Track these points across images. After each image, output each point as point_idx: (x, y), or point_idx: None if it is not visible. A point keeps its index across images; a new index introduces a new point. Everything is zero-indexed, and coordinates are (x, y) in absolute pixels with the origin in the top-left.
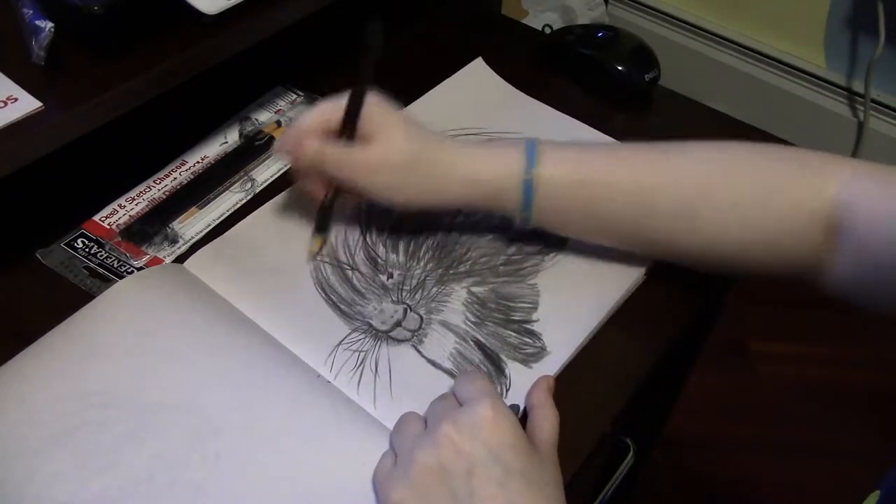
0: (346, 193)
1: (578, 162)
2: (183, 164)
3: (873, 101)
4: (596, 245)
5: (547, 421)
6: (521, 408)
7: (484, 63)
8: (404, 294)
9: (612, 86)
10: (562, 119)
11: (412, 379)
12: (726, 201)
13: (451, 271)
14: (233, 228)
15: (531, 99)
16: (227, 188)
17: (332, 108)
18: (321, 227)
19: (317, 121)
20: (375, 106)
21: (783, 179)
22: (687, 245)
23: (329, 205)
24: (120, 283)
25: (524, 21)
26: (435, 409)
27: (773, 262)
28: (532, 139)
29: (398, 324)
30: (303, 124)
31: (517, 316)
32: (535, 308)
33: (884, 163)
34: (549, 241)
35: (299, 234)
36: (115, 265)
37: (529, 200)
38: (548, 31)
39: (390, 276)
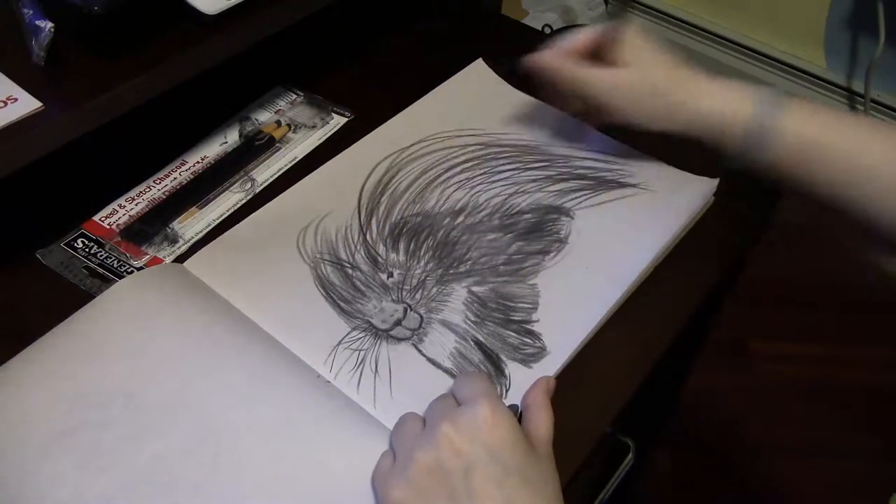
0: (588, 110)
1: (816, 121)
2: (183, 164)
3: (873, 101)
4: (602, 243)
5: (543, 421)
6: (521, 409)
7: (484, 63)
8: (404, 293)
9: None
10: (562, 119)
11: (412, 378)
12: None
13: (451, 271)
14: (233, 228)
15: (531, 99)
16: (227, 188)
17: (590, 34)
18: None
19: (575, 44)
20: (633, 32)
21: None
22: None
23: None
24: (120, 283)
25: (524, 21)
26: (434, 408)
27: None
28: (770, 88)
29: (398, 323)
30: (563, 46)
31: (517, 316)
32: (535, 308)
33: None
34: (549, 240)
35: (299, 234)
36: (115, 265)
37: (750, 145)
38: (548, 31)
39: (390, 274)
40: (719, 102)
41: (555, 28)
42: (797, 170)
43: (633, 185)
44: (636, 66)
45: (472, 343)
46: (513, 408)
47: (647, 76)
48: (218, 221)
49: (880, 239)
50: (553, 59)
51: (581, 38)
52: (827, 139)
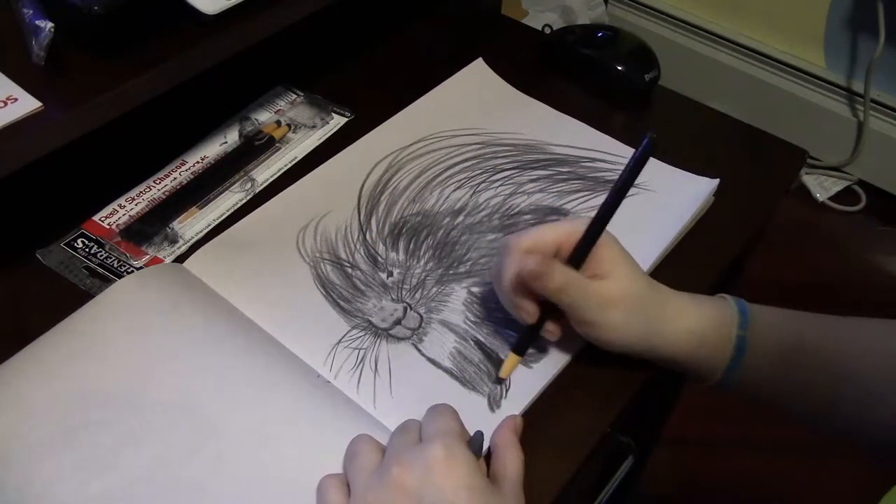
0: (554, 321)
1: (788, 326)
2: (183, 164)
3: (873, 101)
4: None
5: (510, 460)
6: (489, 446)
7: (484, 63)
8: (404, 293)
9: (612, 86)
10: (562, 119)
11: (412, 378)
12: None
13: (451, 272)
14: (233, 228)
15: (531, 99)
16: (227, 188)
17: (568, 233)
18: (520, 349)
19: (551, 242)
20: (610, 241)
21: None
22: (873, 422)
23: (538, 327)
24: (120, 283)
25: (524, 21)
26: (393, 444)
27: None
28: (738, 298)
29: (398, 322)
30: (540, 242)
31: None
32: None
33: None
34: None
35: (298, 233)
36: (115, 265)
37: (739, 358)
38: (548, 31)
39: (390, 274)
40: (707, 318)
41: (555, 28)
42: (775, 381)
43: (633, 185)
44: (619, 277)
45: (472, 343)
46: (476, 438)
47: (633, 290)
48: (218, 221)
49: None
50: (540, 263)
51: (551, 236)
52: (807, 344)
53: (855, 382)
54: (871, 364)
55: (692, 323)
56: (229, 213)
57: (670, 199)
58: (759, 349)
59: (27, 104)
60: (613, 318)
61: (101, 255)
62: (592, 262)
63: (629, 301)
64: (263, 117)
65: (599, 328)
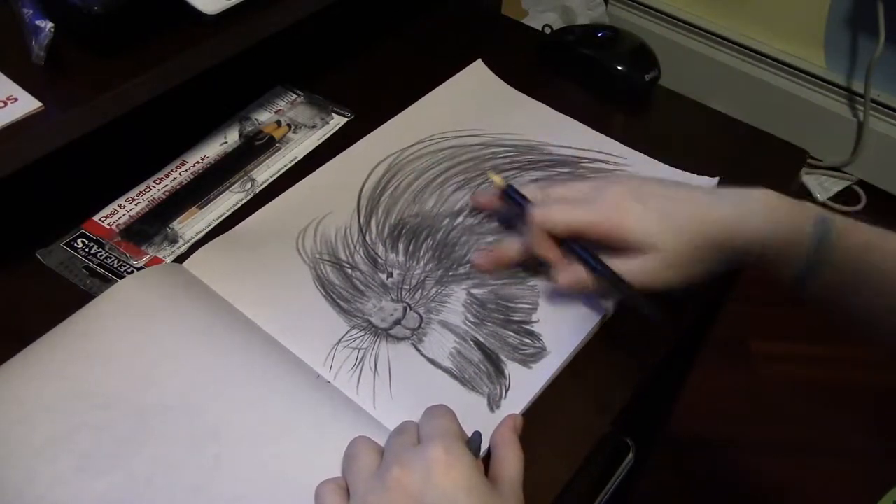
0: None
1: (871, 231)
2: (183, 164)
3: (873, 101)
4: None
5: (510, 460)
6: (486, 443)
7: (483, 65)
8: (404, 293)
9: (612, 86)
10: (562, 119)
11: (412, 378)
12: None
13: (450, 273)
14: (233, 229)
15: (531, 99)
16: (227, 188)
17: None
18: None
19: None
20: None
21: None
22: None
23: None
24: (120, 283)
25: (524, 21)
26: (391, 445)
27: None
28: (817, 208)
29: (398, 322)
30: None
31: (517, 317)
32: (535, 309)
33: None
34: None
35: (298, 234)
36: (115, 265)
37: (826, 239)
38: (548, 31)
39: (390, 275)
40: (773, 232)
41: (555, 28)
42: (844, 289)
43: None
44: (659, 249)
45: (471, 343)
46: (475, 438)
47: (679, 249)
48: (218, 221)
49: None
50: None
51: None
52: (875, 256)
53: None
54: None
55: (762, 231)
56: (229, 213)
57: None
58: (843, 237)
59: (27, 104)
60: (671, 278)
61: (101, 255)
62: (628, 242)
63: (682, 259)
64: (263, 117)
65: (663, 288)
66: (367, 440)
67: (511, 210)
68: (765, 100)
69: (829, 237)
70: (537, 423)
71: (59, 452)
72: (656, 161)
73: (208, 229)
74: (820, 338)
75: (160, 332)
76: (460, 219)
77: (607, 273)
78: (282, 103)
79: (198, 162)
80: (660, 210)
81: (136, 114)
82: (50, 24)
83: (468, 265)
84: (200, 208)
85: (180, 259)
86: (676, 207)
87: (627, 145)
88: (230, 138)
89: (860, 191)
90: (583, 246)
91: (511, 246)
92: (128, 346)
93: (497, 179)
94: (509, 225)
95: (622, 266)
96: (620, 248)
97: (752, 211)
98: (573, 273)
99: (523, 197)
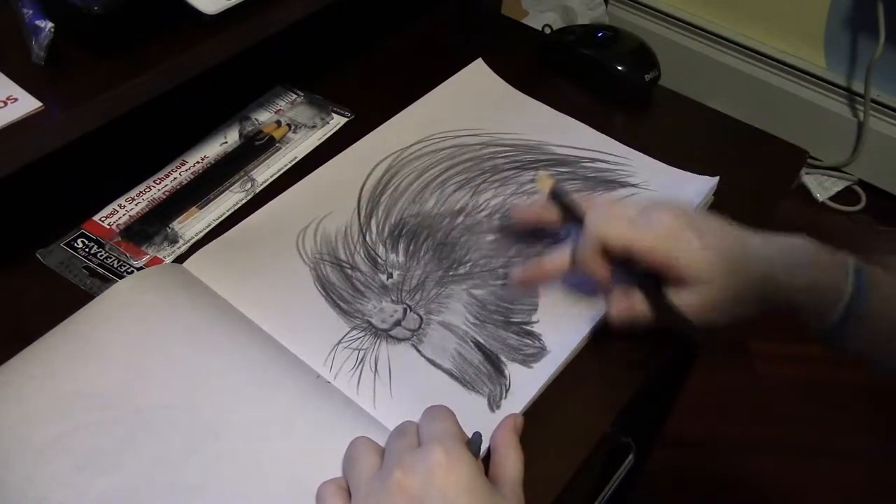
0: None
1: None
2: (183, 164)
3: (873, 101)
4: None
5: (510, 461)
6: (486, 444)
7: (484, 64)
8: (404, 294)
9: (612, 86)
10: (562, 119)
11: (412, 378)
12: None
13: (450, 273)
14: (233, 229)
15: (531, 99)
16: (227, 188)
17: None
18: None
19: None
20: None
21: None
22: None
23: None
24: (120, 283)
25: (524, 21)
26: (392, 447)
27: None
28: (853, 259)
29: (398, 323)
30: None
31: (517, 318)
32: (535, 310)
33: (883, 163)
34: (548, 241)
35: (298, 234)
36: (115, 265)
37: (861, 291)
38: (548, 31)
39: (390, 275)
40: (813, 280)
41: (555, 28)
42: (877, 337)
43: (633, 185)
44: (710, 286)
45: (471, 344)
46: (475, 439)
47: (726, 287)
48: (218, 221)
49: None
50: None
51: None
52: None
53: None
54: None
55: (807, 284)
56: (229, 213)
57: (670, 199)
58: (880, 286)
59: (27, 104)
60: (716, 317)
61: (101, 256)
62: (678, 273)
63: (727, 298)
64: (263, 117)
65: (707, 324)
66: (367, 441)
67: (549, 220)
68: (765, 100)
69: (864, 289)
70: (537, 423)
71: (60, 453)
72: (656, 161)
73: (208, 229)
74: None
75: (160, 332)
76: (460, 219)
77: (670, 310)
78: (282, 103)
79: (198, 162)
80: (716, 248)
81: (136, 114)
82: (50, 24)
83: (468, 265)
84: (200, 208)
85: (180, 259)
86: (732, 247)
87: (627, 145)
88: (230, 138)
89: (860, 191)
90: (650, 275)
91: (558, 259)
92: (128, 347)
93: (545, 181)
94: (543, 236)
95: (673, 298)
96: (665, 277)
97: (797, 264)
98: (629, 302)
99: (577, 203)
